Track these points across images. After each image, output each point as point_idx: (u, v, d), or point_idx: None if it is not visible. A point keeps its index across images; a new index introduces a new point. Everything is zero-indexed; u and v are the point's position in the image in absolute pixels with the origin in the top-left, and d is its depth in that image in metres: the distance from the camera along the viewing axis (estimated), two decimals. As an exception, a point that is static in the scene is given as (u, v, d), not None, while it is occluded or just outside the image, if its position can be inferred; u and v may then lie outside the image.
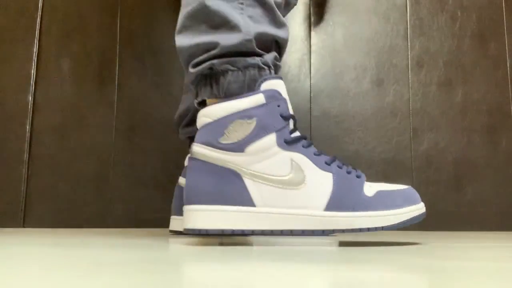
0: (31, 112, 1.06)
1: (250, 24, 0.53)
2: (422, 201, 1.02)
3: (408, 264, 0.34)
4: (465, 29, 1.09)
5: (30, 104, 1.06)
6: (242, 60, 0.52)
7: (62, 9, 1.10)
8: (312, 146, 0.53)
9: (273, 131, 0.51)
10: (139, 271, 0.28)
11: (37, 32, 1.09)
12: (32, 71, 1.07)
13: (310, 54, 1.09)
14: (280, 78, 0.53)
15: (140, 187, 1.03)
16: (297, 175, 0.50)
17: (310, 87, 1.08)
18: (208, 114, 0.51)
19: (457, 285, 0.24)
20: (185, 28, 0.54)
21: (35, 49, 1.08)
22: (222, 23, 0.52)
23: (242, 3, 0.53)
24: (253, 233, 0.49)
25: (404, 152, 1.04)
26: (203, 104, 0.55)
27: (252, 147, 0.50)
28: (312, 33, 1.10)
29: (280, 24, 0.55)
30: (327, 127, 1.05)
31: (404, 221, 0.52)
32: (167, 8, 1.10)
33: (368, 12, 1.10)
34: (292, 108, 1.08)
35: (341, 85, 1.07)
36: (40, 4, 1.10)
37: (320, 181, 0.51)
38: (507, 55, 1.08)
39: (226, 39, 0.52)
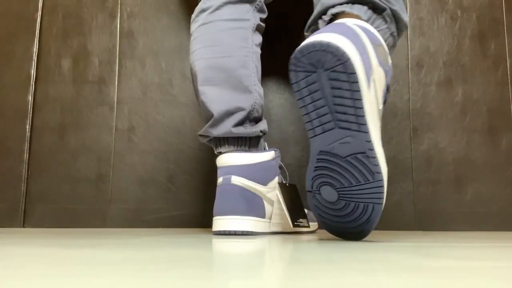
0: (31, 112, 1.06)
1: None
2: (422, 201, 1.02)
3: (408, 264, 0.34)
4: (465, 29, 1.09)
5: (30, 104, 1.06)
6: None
7: (62, 9, 1.10)
8: None
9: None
10: (139, 271, 0.28)
11: (37, 32, 1.09)
12: (32, 71, 1.07)
13: (310, 54, 1.09)
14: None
15: (140, 187, 1.03)
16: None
17: (310, 87, 1.08)
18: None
19: (456, 285, 0.24)
20: None
21: (35, 49, 1.08)
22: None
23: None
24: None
25: (404, 152, 1.04)
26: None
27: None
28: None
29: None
30: (327, 127, 1.05)
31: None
32: (167, 8, 1.10)
33: (368, 12, 1.10)
34: (292, 109, 1.08)
35: (341, 85, 1.07)
36: (40, 4, 1.10)
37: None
38: (507, 55, 1.08)
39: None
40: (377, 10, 0.65)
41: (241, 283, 0.24)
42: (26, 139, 1.05)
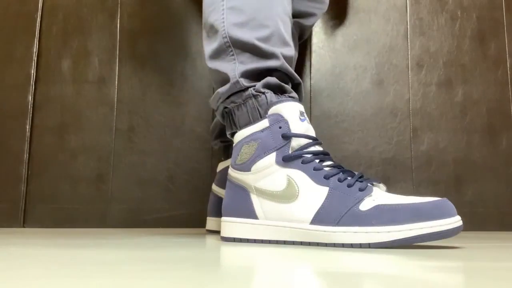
0: (31, 112, 1.06)
1: (238, 68, 0.61)
2: (422, 201, 1.02)
3: (408, 264, 0.34)
4: (465, 29, 1.09)
5: (30, 104, 1.06)
6: (237, 96, 0.61)
7: (62, 9, 1.10)
8: (315, 161, 0.55)
9: (274, 151, 0.56)
10: (139, 271, 0.28)
11: (37, 32, 1.09)
12: (32, 71, 1.07)
13: (310, 54, 1.09)
14: (285, 100, 0.58)
15: (140, 187, 1.03)
16: (291, 190, 0.54)
17: (310, 87, 1.08)
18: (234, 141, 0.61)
19: (456, 285, 0.24)
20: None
21: (35, 49, 1.08)
22: (220, 79, 0.63)
23: (233, 54, 0.62)
24: (256, 241, 0.56)
25: (404, 152, 1.04)
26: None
27: (255, 166, 0.56)
28: (312, 33, 1.10)
29: (269, 56, 0.62)
30: (327, 127, 1.05)
31: (401, 239, 0.49)
32: (167, 8, 1.10)
33: (368, 12, 1.10)
34: (292, 108, 1.08)
35: (341, 85, 1.07)
36: (40, 4, 1.10)
37: (313, 195, 0.53)
38: (507, 55, 1.07)
39: (222, 89, 0.62)
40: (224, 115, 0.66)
41: (237, 284, 0.25)
42: (26, 139, 1.05)
